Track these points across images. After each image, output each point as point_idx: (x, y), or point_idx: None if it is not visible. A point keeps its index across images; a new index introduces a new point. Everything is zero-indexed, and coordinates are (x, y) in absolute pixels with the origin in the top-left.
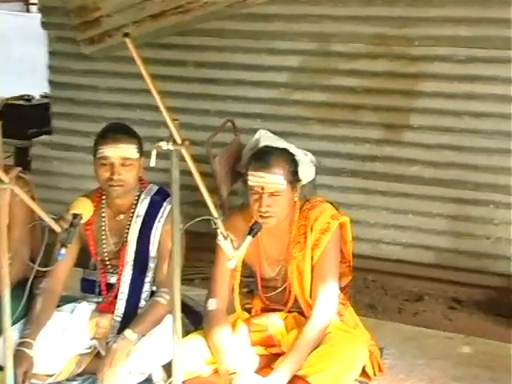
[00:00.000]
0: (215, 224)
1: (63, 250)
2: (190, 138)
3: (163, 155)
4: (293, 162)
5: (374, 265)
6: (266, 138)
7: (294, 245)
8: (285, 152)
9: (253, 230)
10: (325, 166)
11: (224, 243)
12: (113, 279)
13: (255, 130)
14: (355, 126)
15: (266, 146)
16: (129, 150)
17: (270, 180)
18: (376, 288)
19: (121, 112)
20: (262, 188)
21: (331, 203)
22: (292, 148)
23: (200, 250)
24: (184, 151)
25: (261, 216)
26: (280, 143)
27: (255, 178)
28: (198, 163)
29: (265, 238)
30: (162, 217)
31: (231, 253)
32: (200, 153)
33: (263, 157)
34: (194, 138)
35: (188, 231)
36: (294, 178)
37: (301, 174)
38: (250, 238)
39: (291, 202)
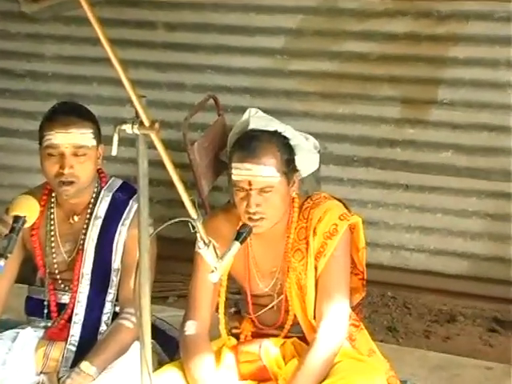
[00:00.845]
0: (194, 227)
1: (2, 262)
2: (161, 118)
3: (128, 141)
4: (287, 148)
5: (393, 277)
6: (257, 118)
7: (293, 253)
8: (276, 135)
9: (241, 235)
10: (331, 154)
11: (205, 251)
12: (65, 298)
13: (244, 109)
14: (368, 102)
15: (252, 130)
16: (83, 136)
17: (259, 172)
18: (397, 306)
19: (72, 87)
20: (250, 183)
21: (339, 200)
22: (289, 131)
23: (175, 259)
24: (153, 136)
25: (250, 218)
26: (274, 125)
27: (240, 171)
28: (172, 151)
29: (256, 245)
30: (126, 219)
31: (214, 263)
32: (174, 138)
33: (248, 143)
34: (166, 118)
35: (160, 236)
36: (289, 168)
37: (300, 164)
38: (237, 244)
39: (287, 198)
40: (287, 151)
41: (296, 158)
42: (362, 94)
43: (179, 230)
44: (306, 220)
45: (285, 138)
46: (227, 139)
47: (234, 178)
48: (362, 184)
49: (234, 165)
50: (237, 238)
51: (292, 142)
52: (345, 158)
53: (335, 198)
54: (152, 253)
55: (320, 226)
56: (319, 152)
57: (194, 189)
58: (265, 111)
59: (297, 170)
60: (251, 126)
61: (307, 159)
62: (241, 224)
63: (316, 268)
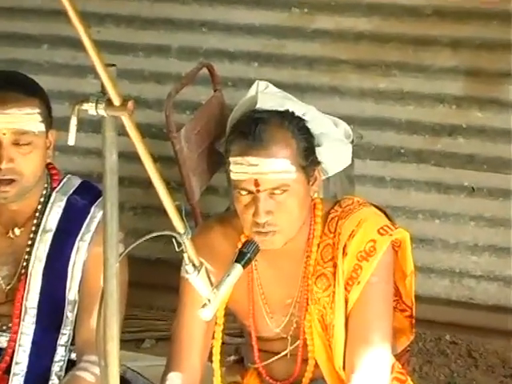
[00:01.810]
0: (179, 244)
1: None
2: (135, 95)
3: (91, 126)
4: (304, 133)
5: (454, 315)
6: (267, 95)
7: (315, 279)
8: (289, 116)
9: (244, 256)
10: (369, 144)
11: (194, 277)
12: (2, 340)
13: (249, 83)
14: (421, 74)
15: (259, 111)
16: (27, 119)
17: (269, 167)
18: (458, 355)
19: (13, 50)
20: (256, 183)
21: (379, 208)
22: (311, 113)
23: (154, 288)
24: (125, 119)
25: (258, 232)
26: (290, 104)
27: (242, 168)
28: (151, 139)
29: (264, 268)
30: (87, 232)
31: (207, 294)
32: (154, 121)
33: (253, 128)
34: (142, 95)
35: (133, 257)
36: (308, 160)
37: (326, 158)
38: (238, 268)
39: (307, 202)
40: (305, 137)
41: (320, 149)
42: (412, 64)
43: (160, 249)
44: (334, 234)
45: (300, 119)
46: (226, 123)
47: (234, 176)
48: (410, 186)
49: (233, 159)
50: (238, 260)
51: (315, 128)
52: (388, 150)
53: (373, 205)
54: (122, 279)
55: (352, 242)
56: (352, 142)
57: (181, 191)
58: (278, 86)
59: (318, 163)
60: (259, 106)
61: (336, 152)
62: (244, 240)
63: (347, 300)
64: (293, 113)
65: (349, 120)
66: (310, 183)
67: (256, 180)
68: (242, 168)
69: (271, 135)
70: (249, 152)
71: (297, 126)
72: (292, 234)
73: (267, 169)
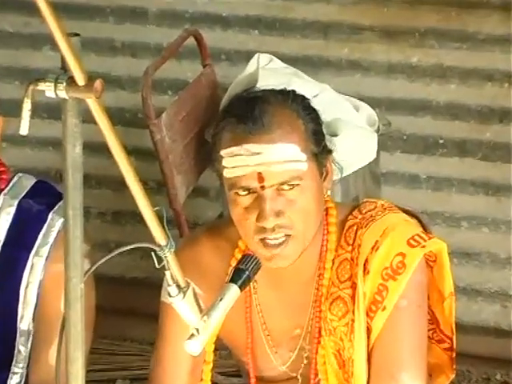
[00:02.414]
0: (160, 260)
1: None
2: (104, 72)
3: (49, 111)
4: (310, 113)
5: (506, 348)
6: (269, 72)
7: (330, 304)
8: (290, 94)
9: (241, 274)
10: (399, 133)
11: (179, 302)
12: None
13: (248, 56)
14: (465, 43)
15: (249, 92)
16: None
17: (275, 155)
18: None
19: None
20: (260, 177)
21: (409, 213)
22: (325, 93)
23: (128, 315)
24: (92, 102)
25: (265, 242)
26: (299, 83)
27: (240, 160)
28: (124, 127)
29: (265, 291)
30: (43, 245)
31: (194, 322)
32: (128, 105)
33: (250, 109)
34: (113, 72)
35: (102, 276)
36: (320, 145)
37: (345, 151)
38: (234, 290)
39: (321, 202)
40: (312, 118)
41: (336, 140)
42: (454, 32)
43: (135, 266)
44: (352, 247)
45: (303, 98)
46: (219, 107)
47: (229, 173)
48: (451, 186)
49: (228, 151)
50: (234, 279)
51: (330, 113)
52: (423, 140)
53: (403, 210)
54: (89, 304)
55: (376, 257)
56: (378, 131)
57: (162, 193)
58: (284, 59)
59: (330, 151)
60: (260, 85)
61: (357, 143)
62: (239, 255)
63: (369, 330)
64: (293, 91)
65: (374, 103)
66: (323, 177)
67: (260, 174)
68: (239, 160)
69: (274, 116)
70: (248, 138)
71: (301, 104)
72: (308, 241)
73: (273, 157)
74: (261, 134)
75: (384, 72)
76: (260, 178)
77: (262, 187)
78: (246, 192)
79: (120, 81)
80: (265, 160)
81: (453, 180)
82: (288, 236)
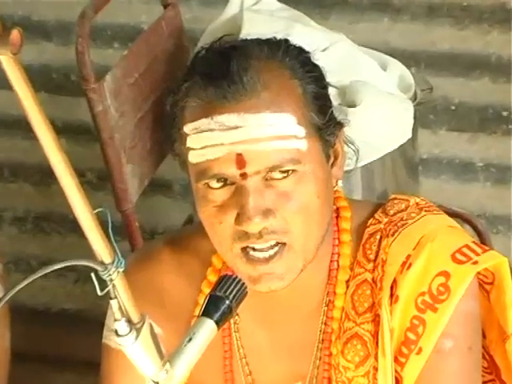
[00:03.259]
0: (102, 285)
1: None
2: (23, 17)
3: None
4: (311, 70)
5: None
6: (258, 16)
7: (343, 345)
8: (282, 45)
9: (218, 304)
10: (447, 103)
11: (130, 344)
12: None
13: None
14: None
15: (224, 41)
16: None
17: (260, 129)
18: None
19: None
20: (240, 161)
21: (456, 215)
22: (338, 45)
23: (56, 362)
24: (5, 60)
25: (249, 257)
26: (299, 30)
27: (210, 137)
28: (51, 94)
29: (251, 328)
30: None
31: (152, 373)
32: (56, 63)
33: (225, 64)
34: (36, 16)
35: (21, 307)
36: (326, 115)
37: (367, 127)
38: (208, 326)
39: (329, 197)
40: (313, 78)
41: (356, 111)
42: None
43: (66, 294)
44: (374, 263)
45: (301, 50)
46: (186, 66)
47: (195, 157)
48: None
49: (193, 124)
50: (208, 312)
51: (345, 73)
52: (479, 112)
53: (447, 211)
54: (1, 345)
55: (407, 278)
56: (415, 99)
57: (106, 188)
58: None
59: (340, 124)
60: (246, 33)
61: (384, 116)
62: (214, 277)
63: (399, 381)
64: (286, 40)
65: (408, 58)
66: (330, 161)
67: (239, 156)
68: (210, 138)
69: (259, 74)
70: (222, 106)
71: (297, 59)
72: (310, 252)
73: (258, 132)
74: (240, 100)
75: (423, 15)
76: (240, 161)
77: (243, 175)
78: (221, 183)
79: (45, 28)
80: (246, 136)
81: None
82: (282, 245)
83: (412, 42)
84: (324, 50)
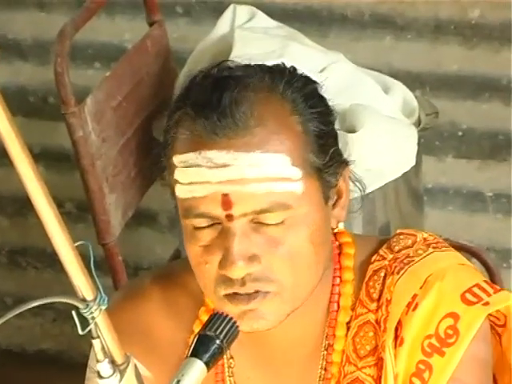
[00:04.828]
0: (84, 324)
1: None
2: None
3: None
4: (315, 105)
5: None
6: (250, 35)
7: None
8: (285, 74)
9: (208, 344)
10: (454, 128)
11: None
12: None
13: (218, 8)
14: None
15: (225, 66)
16: None
17: (250, 170)
18: None
19: None
20: (227, 203)
21: (466, 249)
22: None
23: None
24: None
25: (231, 298)
26: (295, 49)
27: (197, 174)
28: (27, 118)
29: (245, 370)
30: None
31: None
32: (33, 84)
33: (217, 96)
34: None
35: None
36: (327, 154)
37: (367, 154)
38: (198, 368)
39: (326, 241)
40: (317, 114)
41: (354, 137)
42: None
43: (44, 334)
44: (378, 303)
45: (307, 80)
46: (173, 87)
47: (182, 192)
48: None
49: (180, 158)
50: (198, 352)
51: (344, 97)
52: (490, 137)
53: (456, 246)
54: None
55: (414, 319)
56: (419, 124)
57: (87, 219)
58: (275, 14)
59: (346, 163)
60: (236, 55)
61: (386, 142)
62: (206, 316)
63: None
64: (293, 69)
65: (413, 80)
66: (330, 202)
67: (226, 196)
68: (197, 174)
69: (254, 108)
70: (211, 142)
71: (301, 91)
72: (299, 301)
73: (248, 173)
74: (231, 136)
75: (428, 33)
76: (226, 202)
77: (229, 217)
78: (207, 222)
79: (21, 47)
80: (234, 176)
81: None
82: (265, 293)
83: (416, 62)
84: (321, 71)
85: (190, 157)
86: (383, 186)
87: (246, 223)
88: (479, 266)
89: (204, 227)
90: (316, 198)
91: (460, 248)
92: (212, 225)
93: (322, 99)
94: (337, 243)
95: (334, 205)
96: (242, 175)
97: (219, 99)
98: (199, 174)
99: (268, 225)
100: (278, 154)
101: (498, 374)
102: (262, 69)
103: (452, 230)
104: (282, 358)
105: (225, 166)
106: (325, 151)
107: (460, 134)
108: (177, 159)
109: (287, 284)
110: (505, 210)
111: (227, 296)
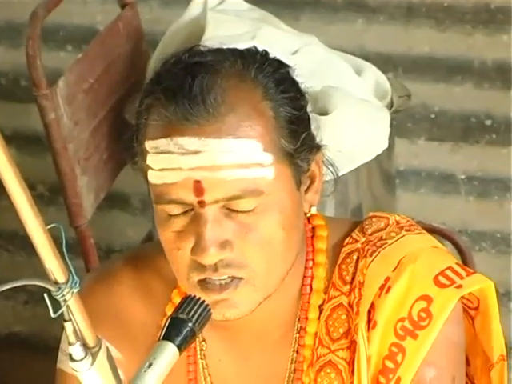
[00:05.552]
0: (56, 307)
1: None
2: None
3: None
4: (287, 90)
5: None
6: (222, 16)
7: (315, 373)
8: (257, 58)
9: (180, 327)
10: (426, 110)
11: (85, 370)
12: None
13: None
14: None
15: (197, 50)
16: None
17: (222, 156)
18: None
19: None
20: (198, 189)
21: (438, 232)
22: (309, 48)
23: None
24: None
25: (204, 285)
26: (267, 32)
27: (168, 160)
28: None
29: (217, 354)
30: None
31: None
32: (4, 67)
33: (189, 81)
34: None
35: None
36: (298, 139)
37: (339, 137)
38: (170, 351)
39: (298, 225)
40: (290, 98)
41: (327, 119)
42: None
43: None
44: (351, 286)
45: (279, 63)
46: (144, 69)
47: (154, 178)
48: (505, 190)
49: (152, 143)
50: (169, 336)
51: (316, 80)
52: (461, 120)
53: (428, 229)
54: None
55: (387, 302)
56: (391, 106)
57: (58, 202)
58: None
59: (318, 147)
60: (208, 37)
61: (359, 124)
62: (179, 298)
63: None
64: (265, 52)
65: (385, 63)
66: (303, 187)
67: (197, 183)
68: (168, 160)
69: (225, 94)
70: (182, 128)
71: (273, 76)
72: (271, 287)
73: (219, 159)
74: (202, 123)
75: (400, 16)
76: (198, 188)
77: (201, 203)
78: (180, 209)
79: None
80: (206, 162)
81: (507, 181)
82: (238, 279)
83: (389, 44)
84: (294, 54)
85: (162, 143)
86: (356, 168)
87: (217, 209)
88: (451, 249)
89: (176, 214)
90: (288, 183)
91: (432, 230)
92: (184, 212)
93: (294, 83)
94: (310, 226)
95: (307, 189)
96: (213, 162)
97: (190, 86)
98: (171, 161)
99: (240, 211)
100: (249, 140)
101: (471, 356)
102: (233, 53)
103: (424, 213)
104: (254, 340)
105: (196, 152)
106: (296, 136)
107: (432, 116)
108: (148, 145)
109: (259, 270)
110: (477, 192)
111: (200, 282)
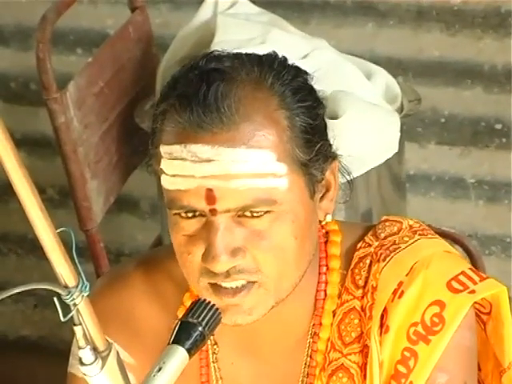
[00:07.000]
0: (65, 310)
1: None
2: None
3: None
4: (304, 98)
5: None
6: (233, 20)
7: (328, 377)
8: (274, 64)
9: (191, 331)
10: (436, 114)
11: (95, 373)
12: None
13: None
14: None
15: (210, 54)
16: None
17: (235, 166)
18: None
19: None
20: (210, 197)
21: (449, 237)
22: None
23: None
24: None
25: (215, 289)
26: (277, 36)
27: (182, 167)
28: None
29: (229, 358)
30: None
31: None
32: (14, 70)
33: (204, 88)
34: None
35: None
36: (313, 149)
37: (349, 142)
38: (180, 355)
39: (312, 233)
40: (306, 107)
41: (336, 124)
42: None
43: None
44: (363, 290)
45: (297, 70)
46: (155, 73)
47: (167, 184)
48: None
49: (166, 148)
50: (180, 339)
51: (326, 84)
52: (471, 124)
53: (440, 233)
54: None
55: (400, 307)
56: (401, 110)
57: (69, 205)
58: (258, 0)
59: (334, 156)
60: (219, 41)
61: (368, 128)
62: (189, 303)
63: None
64: (283, 59)
65: (395, 67)
66: (317, 195)
67: (210, 191)
68: (181, 167)
69: (240, 103)
70: (196, 136)
71: (290, 84)
72: (283, 293)
73: (232, 168)
74: (215, 131)
75: (410, 20)
76: (210, 197)
77: (213, 211)
78: (191, 214)
79: (2, 32)
80: (218, 171)
81: None
82: (251, 283)
83: (399, 48)
84: (304, 58)
85: (175, 149)
86: (365, 172)
87: (229, 218)
88: (461, 253)
89: (187, 218)
90: (301, 192)
91: (442, 235)
92: (194, 217)
93: (312, 91)
94: (323, 231)
95: (322, 197)
96: (226, 171)
97: (205, 93)
98: (184, 168)
99: (252, 218)
100: (262, 150)
101: (482, 361)
102: (251, 60)
103: (434, 217)
104: (268, 345)
105: (209, 160)
106: (311, 146)
107: (442, 120)
108: (163, 150)
109: (272, 275)
110: (486, 196)
111: (212, 286)
